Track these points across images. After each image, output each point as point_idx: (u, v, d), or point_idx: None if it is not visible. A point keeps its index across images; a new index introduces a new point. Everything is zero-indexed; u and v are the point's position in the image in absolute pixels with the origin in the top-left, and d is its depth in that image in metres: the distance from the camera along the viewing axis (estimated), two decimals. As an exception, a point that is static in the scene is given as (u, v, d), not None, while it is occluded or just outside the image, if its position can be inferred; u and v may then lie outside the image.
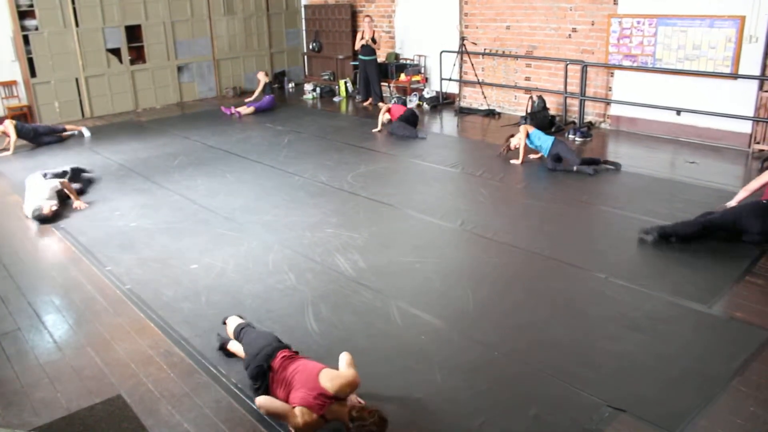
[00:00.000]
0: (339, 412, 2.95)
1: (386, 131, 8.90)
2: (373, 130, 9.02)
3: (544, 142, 6.98)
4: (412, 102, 10.85)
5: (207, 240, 5.38)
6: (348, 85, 12.11)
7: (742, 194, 5.26)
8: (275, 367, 3.15)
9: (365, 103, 11.18)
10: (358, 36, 10.82)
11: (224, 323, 3.73)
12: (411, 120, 8.87)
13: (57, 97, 10.48)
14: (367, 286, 4.44)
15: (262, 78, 11.28)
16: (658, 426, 2.97)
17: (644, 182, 6.46)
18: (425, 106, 10.73)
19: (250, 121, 10.13)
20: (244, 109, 10.55)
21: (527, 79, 9.77)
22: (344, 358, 3.15)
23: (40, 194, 6.08)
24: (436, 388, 3.32)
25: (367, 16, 11.00)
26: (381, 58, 11.52)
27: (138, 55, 11.38)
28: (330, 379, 2.96)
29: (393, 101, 10.55)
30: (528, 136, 7.09)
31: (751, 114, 7.37)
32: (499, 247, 5.03)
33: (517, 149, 7.25)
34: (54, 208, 5.98)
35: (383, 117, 9.07)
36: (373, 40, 10.68)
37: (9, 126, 8.44)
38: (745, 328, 3.78)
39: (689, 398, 3.16)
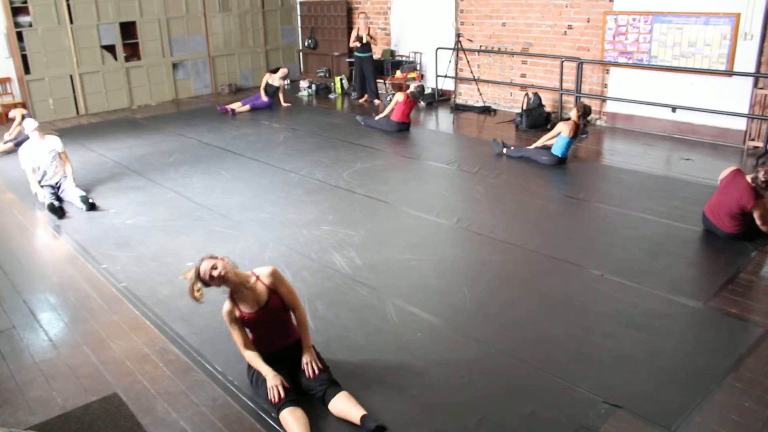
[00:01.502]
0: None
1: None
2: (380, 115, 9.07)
3: (561, 146, 6.94)
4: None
5: (203, 237, 5.37)
6: (344, 82, 12.09)
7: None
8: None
9: (361, 100, 11.16)
10: (353, 33, 10.81)
11: None
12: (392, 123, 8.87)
13: (51, 94, 10.44)
14: (363, 283, 4.44)
15: (278, 80, 10.83)
16: (654, 422, 2.98)
17: (640, 179, 6.47)
18: (421, 102, 10.72)
19: (245, 119, 10.10)
20: (238, 106, 10.50)
21: (523, 76, 9.77)
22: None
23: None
24: (432, 385, 3.32)
25: (362, 13, 10.98)
26: (377, 55, 11.52)
27: (133, 51, 11.33)
28: None
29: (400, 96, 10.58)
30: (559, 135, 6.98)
31: (745, 111, 7.39)
32: (495, 245, 5.04)
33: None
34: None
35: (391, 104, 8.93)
36: (369, 37, 10.67)
37: (18, 114, 8.62)
38: (740, 325, 3.80)
39: (685, 394, 3.17)
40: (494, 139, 7.63)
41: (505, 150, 7.38)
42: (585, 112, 6.99)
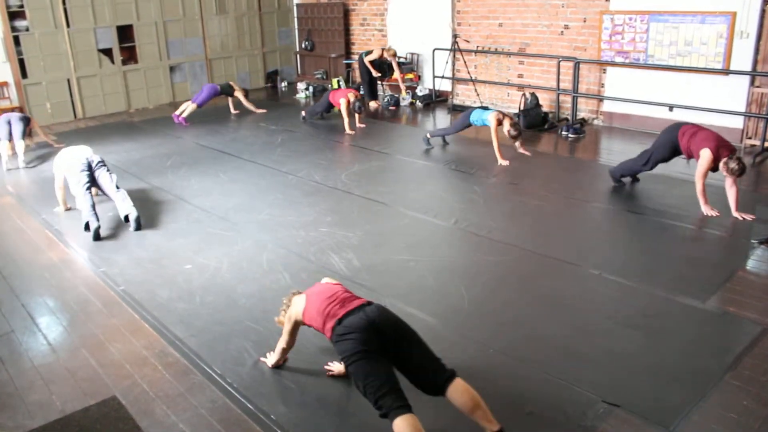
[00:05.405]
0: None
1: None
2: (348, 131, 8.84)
3: (479, 121, 7.38)
4: (405, 100, 10.84)
5: (201, 240, 5.37)
6: (341, 83, 12.08)
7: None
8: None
9: (374, 104, 10.70)
10: (372, 57, 10.47)
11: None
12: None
13: (49, 98, 10.43)
14: (361, 284, 4.45)
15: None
16: (652, 421, 2.99)
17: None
18: (418, 103, 10.73)
19: (243, 121, 10.10)
20: (187, 110, 9.90)
21: (520, 76, 9.79)
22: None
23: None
24: (431, 386, 3.32)
25: (392, 52, 10.30)
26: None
27: (130, 55, 11.33)
28: None
29: (385, 99, 10.62)
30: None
31: (742, 109, 7.41)
32: (493, 245, 5.04)
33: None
34: None
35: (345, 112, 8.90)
36: (385, 70, 10.62)
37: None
38: (738, 323, 3.81)
39: (683, 393, 3.18)
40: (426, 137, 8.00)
41: (428, 134, 7.95)
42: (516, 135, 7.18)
